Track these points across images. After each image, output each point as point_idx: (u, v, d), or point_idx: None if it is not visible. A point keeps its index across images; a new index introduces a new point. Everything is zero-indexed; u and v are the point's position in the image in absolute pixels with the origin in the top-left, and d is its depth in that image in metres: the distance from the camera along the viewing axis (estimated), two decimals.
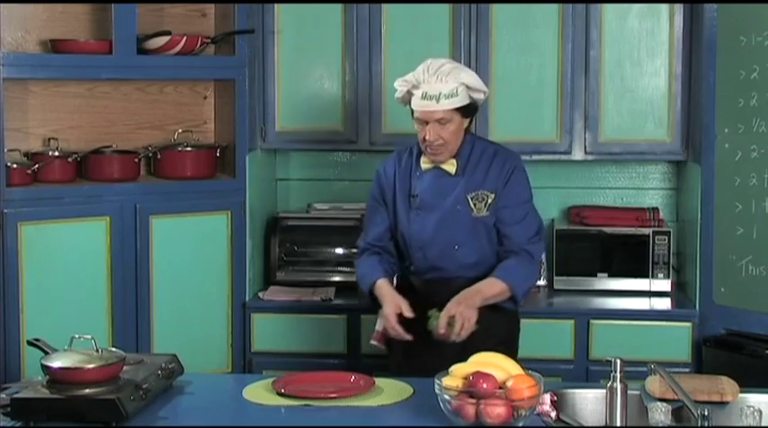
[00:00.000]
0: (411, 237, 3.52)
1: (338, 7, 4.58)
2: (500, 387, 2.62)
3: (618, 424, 2.68)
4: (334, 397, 2.95)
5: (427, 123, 3.39)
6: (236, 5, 4.37)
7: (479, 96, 3.46)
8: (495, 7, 4.51)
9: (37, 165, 4.11)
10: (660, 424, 2.69)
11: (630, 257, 4.58)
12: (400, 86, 3.46)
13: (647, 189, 4.89)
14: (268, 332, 4.48)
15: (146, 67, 4.24)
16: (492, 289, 3.40)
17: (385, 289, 3.48)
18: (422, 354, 3.38)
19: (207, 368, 4.21)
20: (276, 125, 4.67)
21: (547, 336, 4.32)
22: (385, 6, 4.56)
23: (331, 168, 5.02)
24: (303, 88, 4.64)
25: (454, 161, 3.47)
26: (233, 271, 4.42)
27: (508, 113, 4.55)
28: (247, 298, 4.50)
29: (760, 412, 2.71)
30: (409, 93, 3.44)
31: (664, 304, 4.47)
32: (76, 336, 2.88)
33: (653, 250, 4.55)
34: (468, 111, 3.45)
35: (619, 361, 2.68)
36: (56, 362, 2.79)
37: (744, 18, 4.13)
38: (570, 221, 4.75)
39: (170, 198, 4.28)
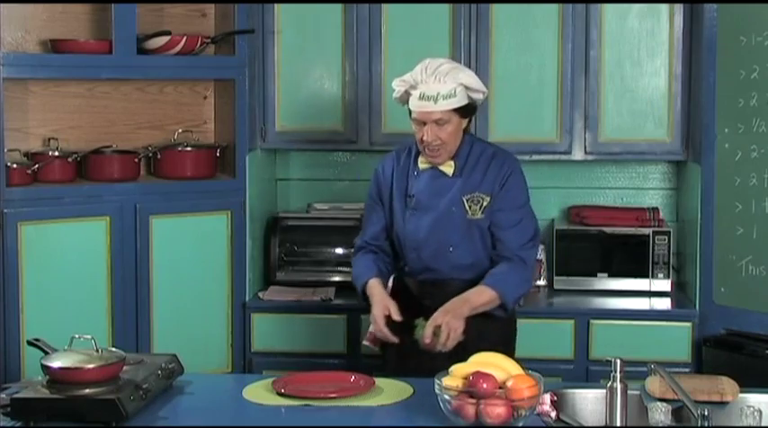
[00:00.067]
0: (405, 237, 3.49)
1: (338, 7, 4.58)
2: (500, 387, 2.63)
3: (618, 424, 2.68)
4: (334, 397, 2.95)
5: (425, 124, 3.36)
6: (236, 5, 4.37)
7: (478, 96, 3.42)
8: (495, 7, 4.51)
9: (37, 165, 4.11)
10: (660, 424, 2.69)
11: (630, 257, 4.57)
12: (398, 86, 3.43)
13: (647, 189, 4.89)
14: (268, 332, 4.48)
15: (146, 67, 4.24)
16: (481, 297, 3.34)
17: (375, 290, 3.44)
18: (415, 356, 3.34)
19: (207, 368, 4.21)
20: (276, 125, 4.67)
21: (547, 336, 4.32)
22: (385, 6, 4.55)
23: (331, 168, 5.02)
24: (303, 88, 4.64)
25: (452, 162, 3.44)
26: (233, 271, 4.42)
27: (508, 113, 4.55)
28: (247, 298, 4.50)
29: (760, 412, 2.71)
30: (407, 93, 3.41)
31: (664, 304, 4.47)
32: (76, 336, 2.88)
33: (653, 250, 4.55)
34: (467, 111, 3.41)
35: (619, 361, 2.68)
36: (56, 362, 2.79)
37: (744, 18, 4.13)
38: (570, 221, 4.75)
39: (170, 198, 4.28)
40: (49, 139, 4.26)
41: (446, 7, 4.52)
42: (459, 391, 2.64)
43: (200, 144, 4.49)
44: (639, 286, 4.57)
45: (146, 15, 4.34)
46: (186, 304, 4.31)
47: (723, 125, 4.21)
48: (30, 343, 3.04)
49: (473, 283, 3.38)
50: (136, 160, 4.33)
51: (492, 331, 3.40)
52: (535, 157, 4.57)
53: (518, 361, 2.79)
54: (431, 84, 3.33)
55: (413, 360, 3.34)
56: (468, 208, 3.42)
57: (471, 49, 4.52)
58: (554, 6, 4.49)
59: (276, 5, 4.60)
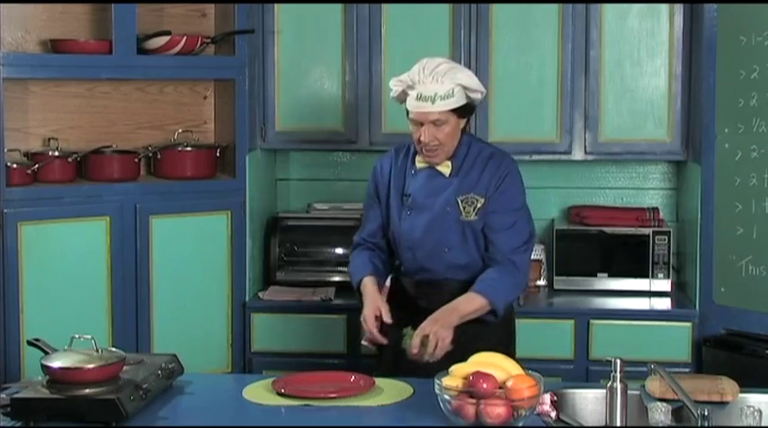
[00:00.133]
0: (401, 237, 3.46)
1: (338, 7, 4.58)
2: (500, 387, 2.63)
3: (618, 424, 2.68)
4: (334, 397, 2.95)
5: (422, 124, 3.31)
6: (236, 5, 4.37)
7: (476, 96, 3.38)
8: (495, 7, 4.51)
9: (37, 165, 4.11)
10: (660, 424, 2.69)
11: (630, 257, 4.57)
12: (395, 86, 3.39)
13: (647, 189, 4.89)
14: (268, 332, 4.48)
15: (146, 67, 4.24)
16: (471, 305, 3.29)
17: (368, 289, 3.41)
18: (411, 357, 3.33)
19: (207, 368, 4.21)
20: (276, 125, 4.67)
21: (547, 336, 4.31)
22: (385, 6, 4.55)
23: (331, 168, 5.02)
24: (303, 88, 4.64)
25: (449, 163, 3.40)
26: (233, 271, 4.42)
27: (508, 113, 4.55)
28: (247, 298, 4.50)
29: (760, 412, 2.71)
30: (404, 93, 3.37)
31: (664, 304, 4.47)
32: (76, 336, 2.88)
33: (653, 250, 4.55)
34: (465, 111, 3.37)
35: (619, 361, 2.68)
36: (56, 362, 2.79)
37: (744, 18, 4.13)
38: (570, 221, 4.74)
39: (170, 198, 4.28)
40: (49, 139, 4.26)
41: (446, 7, 4.52)
42: (459, 391, 2.64)
43: (200, 144, 4.49)
44: (639, 286, 4.57)
45: (146, 15, 4.34)
46: (186, 304, 4.31)
47: (723, 125, 4.21)
48: (30, 343, 3.04)
49: (469, 284, 3.35)
50: (136, 160, 4.33)
51: (490, 333, 3.37)
52: (535, 157, 4.57)
53: (518, 361, 2.79)
54: (428, 85, 3.28)
55: (406, 359, 3.30)
56: (462, 208, 3.38)
57: (471, 49, 4.52)
58: (554, 6, 4.49)
59: (276, 5, 4.60)
